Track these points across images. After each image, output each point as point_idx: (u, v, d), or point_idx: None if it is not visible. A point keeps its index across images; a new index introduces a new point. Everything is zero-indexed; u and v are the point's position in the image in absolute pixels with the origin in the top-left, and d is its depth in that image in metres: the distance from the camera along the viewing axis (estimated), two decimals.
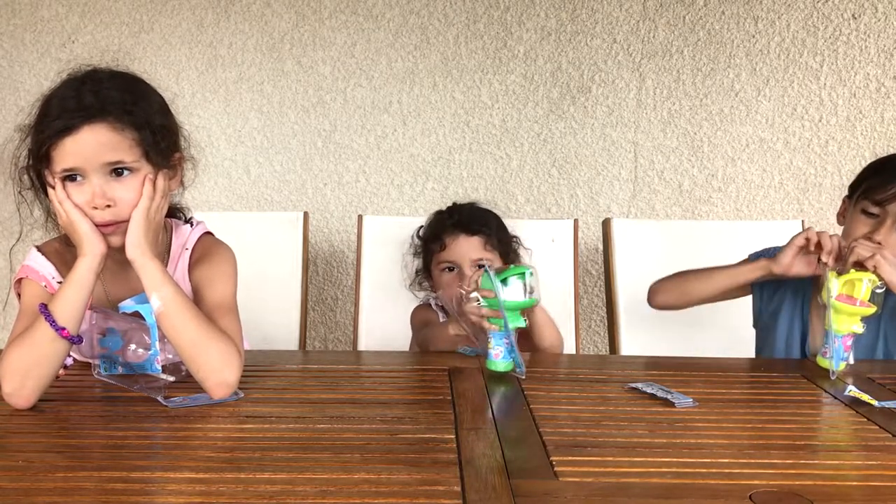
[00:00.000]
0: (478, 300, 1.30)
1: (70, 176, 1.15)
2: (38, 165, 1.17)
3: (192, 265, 1.32)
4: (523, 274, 1.30)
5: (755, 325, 1.74)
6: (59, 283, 1.23)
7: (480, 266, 1.46)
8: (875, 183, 1.52)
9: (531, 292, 1.30)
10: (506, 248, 1.68)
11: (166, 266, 1.27)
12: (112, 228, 1.17)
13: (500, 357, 1.31)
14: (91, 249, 1.15)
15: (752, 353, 1.76)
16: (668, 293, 1.70)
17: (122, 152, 1.14)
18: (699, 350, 1.90)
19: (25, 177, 1.20)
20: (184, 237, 1.33)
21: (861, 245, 1.40)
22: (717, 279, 1.64)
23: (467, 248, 1.62)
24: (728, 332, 1.96)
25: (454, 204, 1.77)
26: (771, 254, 1.59)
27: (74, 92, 1.14)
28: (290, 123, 2.39)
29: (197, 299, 1.27)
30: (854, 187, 1.59)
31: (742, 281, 1.62)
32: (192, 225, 1.35)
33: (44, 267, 1.25)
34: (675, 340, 1.99)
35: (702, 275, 1.66)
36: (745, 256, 1.69)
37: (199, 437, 1.04)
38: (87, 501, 0.84)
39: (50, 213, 1.22)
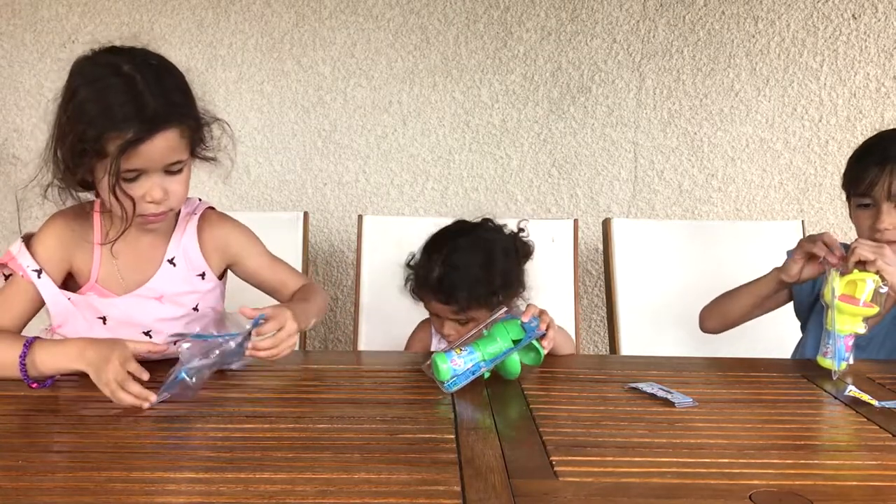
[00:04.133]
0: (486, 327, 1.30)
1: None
2: (86, 159, 1.16)
3: (206, 230, 1.41)
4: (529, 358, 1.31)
5: (798, 315, 1.74)
6: (35, 271, 1.29)
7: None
8: (853, 176, 1.55)
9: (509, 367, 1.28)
10: (497, 303, 1.47)
11: (174, 230, 1.37)
12: (161, 217, 1.27)
13: (451, 366, 1.22)
14: (97, 368, 1.15)
15: (752, 354, 1.75)
16: (711, 319, 1.74)
17: (181, 152, 1.22)
18: (699, 350, 1.90)
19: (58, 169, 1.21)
20: (192, 206, 1.42)
21: (862, 246, 1.38)
22: (743, 297, 1.66)
23: (444, 311, 1.55)
24: (727, 332, 1.96)
25: (453, 237, 1.57)
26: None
27: (133, 94, 1.15)
28: (290, 123, 2.39)
29: (242, 266, 1.45)
30: (844, 187, 1.60)
31: (763, 294, 1.63)
32: (200, 201, 1.45)
33: (23, 258, 1.30)
34: (675, 341, 1.99)
35: (732, 295, 1.68)
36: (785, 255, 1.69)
37: (199, 437, 1.04)
38: (87, 501, 0.84)
39: (72, 196, 1.24)
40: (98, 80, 1.17)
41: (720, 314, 1.71)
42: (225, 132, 1.30)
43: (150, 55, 1.23)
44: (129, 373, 1.13)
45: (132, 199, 1.20)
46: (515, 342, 1.27)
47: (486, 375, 1.28)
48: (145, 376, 1.14)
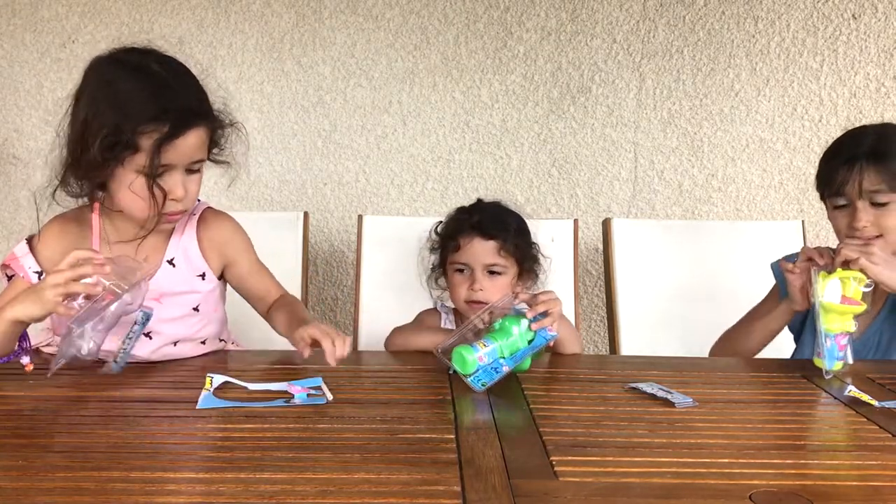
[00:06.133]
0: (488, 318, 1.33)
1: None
2: (116, 153, 1.17)
3: (204, 231, 1.42)
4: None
5: (791, 330, 1.73)
6: (35, 272, 1.31)
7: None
8: (825, 177, 1.55)
9: (522, 357, 1.31)
10: (523, 255, 1.63)
11: (173, 231, 1.38)
12: (177, 217, 1.29)
13: (476, 360, 1.24)
14: (33, 312, 1.17)
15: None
16: (724, 354, 1.71)
17: (204, 151, 1.26)
18: (699, 350, 1.90)
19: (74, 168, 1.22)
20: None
21: (847, 246, 1.40)
22: (756, 333, 1.64)
23: (481, 252, 1.59)
24: (727, 333, 1.96)
25: (479, 201, 1.72)
26: (790, 261, 1.61)
27: (163, 89, 1.18)
28: (290, 123, 2.39)
29: (233, 268, 1.45)
30: (818, 189, 1.60)
31: (777, 328, 1.62)
32: (199, 201, 1.46)
33: (25, 259, 1.32)
34: (675, 340, 1.99)
35: (743, 331, 1.67)
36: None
37: (199, 437, 1.04)
38: (87, 501, 0.84)
39: (84, 193, 1.26)
40: (128, 77, 1.19)
41: (734, 352, 1.68)
42: (240, 137, 1.33)
43: (169, 57, 1.26)
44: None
45: (164, 192, 1.21)
46: (529, 341, 1.30)
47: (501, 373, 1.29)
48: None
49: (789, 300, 1.54)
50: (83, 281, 1.16)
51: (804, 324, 1.67)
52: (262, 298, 1.48)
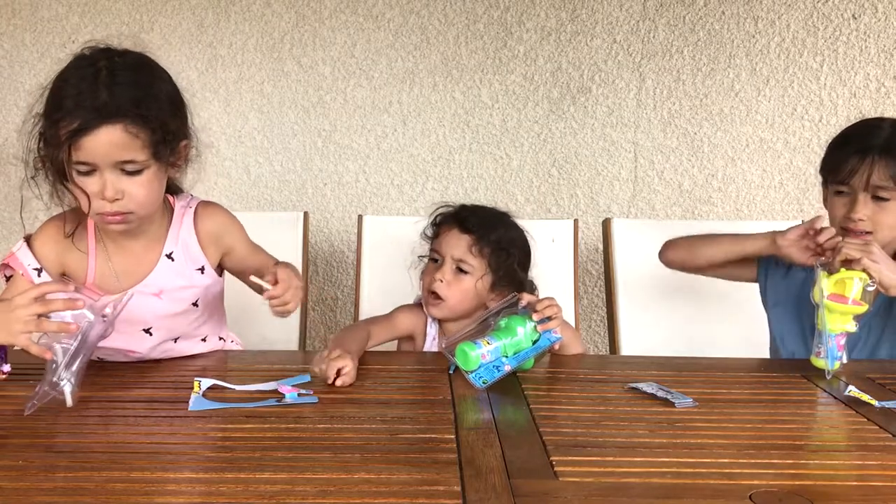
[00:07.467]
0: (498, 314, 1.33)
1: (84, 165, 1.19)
2: (52, 151, 1.19)
3: (200, 224, 1.40)
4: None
5: (765, 306, 1.72)
6: (35, 269, 1.30)
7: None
8: (833, 163, 1.54)
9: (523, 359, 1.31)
10: (498, 264, 1.58)
11: (171, 222, 1.37)
12: (119, 219, 1.23)
13: (482, 358, 1.24)
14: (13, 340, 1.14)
15: (752, 355, 1.76)
16: (678, 250, 1.70)
17: (134, 152, 1.19)
18: (700, 350, 1.90)
19: (36, 158, 1.23)
20: (185, 200, 1.42)
21: (849, 245, 1.39)
22: (724, 244, 1.63)
23: (453, 243, 1.57)
24: (728, 332, 1.96)
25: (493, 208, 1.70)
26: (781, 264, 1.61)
27: (89, 85, 1.16)
28: (290, 123, 2.39)
29: (232, 255, 1.43)
30: (822, 173, 1.60)
31: (747, 251, 1.60)
32: (192, 196, 1.45)
33: (24, 256, 1.31)
34: (675, 340, 1.99)
35: (712, 238, 1.66)
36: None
37: (199, 437, 1.04)
38: (87, 501, 0.84)
39: (56, 193, 1.25)
40: (70, 72, 1.18)
41: (690, 251, 1.67)
42: (195, 147, 1.31)
43: (141, 58, 1.23)
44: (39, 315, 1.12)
45: (86, 192, 1.19)
46: (534, 342, 1.30)
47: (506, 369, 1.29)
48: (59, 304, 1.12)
49: (780, 233, 1.52)
50: (55, 314, 1.12)
51: (782, 314, 1.66)
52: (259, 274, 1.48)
